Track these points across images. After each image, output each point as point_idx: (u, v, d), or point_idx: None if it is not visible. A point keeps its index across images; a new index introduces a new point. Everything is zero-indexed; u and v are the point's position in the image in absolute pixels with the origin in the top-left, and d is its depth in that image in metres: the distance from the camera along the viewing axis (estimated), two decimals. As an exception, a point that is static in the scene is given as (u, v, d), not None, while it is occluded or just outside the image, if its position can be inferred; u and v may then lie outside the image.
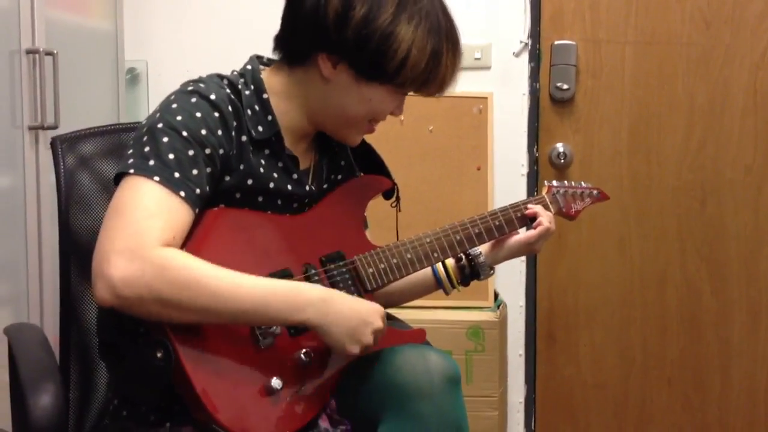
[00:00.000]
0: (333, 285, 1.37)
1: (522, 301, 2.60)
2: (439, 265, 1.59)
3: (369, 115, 1.40)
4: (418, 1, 1.34)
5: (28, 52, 1.93)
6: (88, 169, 1.53)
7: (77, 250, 1.50)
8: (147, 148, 1.25)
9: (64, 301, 1.50)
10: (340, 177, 1.52)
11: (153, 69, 2.60)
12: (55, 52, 1.98)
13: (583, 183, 1.73)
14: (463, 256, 1.59)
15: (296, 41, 1.38)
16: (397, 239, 1.49)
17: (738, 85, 2.51)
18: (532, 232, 1.57)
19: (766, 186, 2.53)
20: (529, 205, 1.59)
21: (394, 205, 1.56)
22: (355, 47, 1.32)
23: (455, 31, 1.40)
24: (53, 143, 1.50)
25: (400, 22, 1.31)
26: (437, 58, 1.35)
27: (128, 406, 1.35)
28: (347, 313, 1.27)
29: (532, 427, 2.66)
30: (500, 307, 2.40)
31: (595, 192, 1.74)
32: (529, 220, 1.58)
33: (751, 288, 2.56)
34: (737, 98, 2.51)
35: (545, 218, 1.58)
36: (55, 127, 1.95)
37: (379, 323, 1.30)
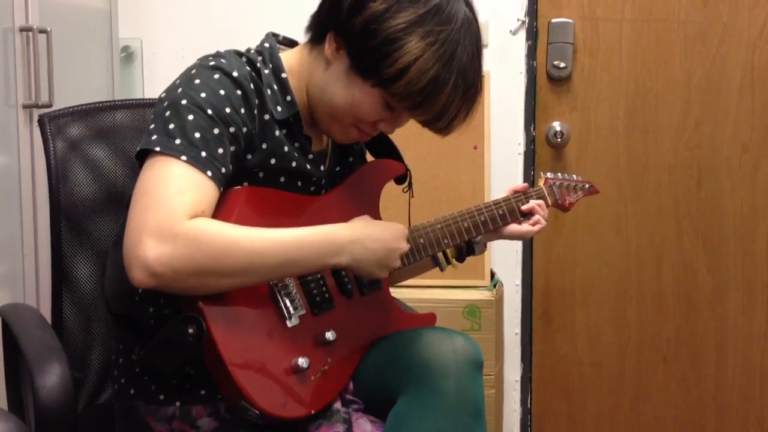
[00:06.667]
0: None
1: (518, 280, 2.61)
2: None
3: (351, 114, 1.34)
4: (444, 24, 1.28)
5: (22, 30, 1.92)
6: (78, 147, 1.52)
7: (69, 228, 1.50)
8: (171, 125, 1.23)
9: (56, 281, 1.50)
10: (351, 159, 1.53)
11: (147, 47, 2.58)
12: (49, 29, 1.96)
13: (575, 176, 1.80)
14: None
15: (318, 15, 1.37)
16: (409, 225, 1.51)
17: (735, 62, 2.50)
18: (530, 229, 1.64)
19: (762, 164, 2.53)
20: (531, 200, 1.64)
21: (406, 190, 1.56)
22: (358, 38, 1.29)
23: (473, 74, 1.32)
24: (41, 121, 1.49)
25: (411, 34, 1.26)
26: (437, 87, 1.28)
27: (136, 385, 1.36)
28: (375, 246, 1.32)
29: (529, 405, 2.67)
30: (496, 286, 2.41)
31: (587, 186, 1.81)
32: (528, 214, 1.65)
33: (747, 266, 2.57)
34: (734, 76, 2.51)
35: (542, 215, 1.64)
36: (49, 106, 1.94)
37: (404, 246, 1.38)
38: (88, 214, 1.53)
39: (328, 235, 1.28)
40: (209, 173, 1.22)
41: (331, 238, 1.28)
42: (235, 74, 1.29)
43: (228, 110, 1.26)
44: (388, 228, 1.36)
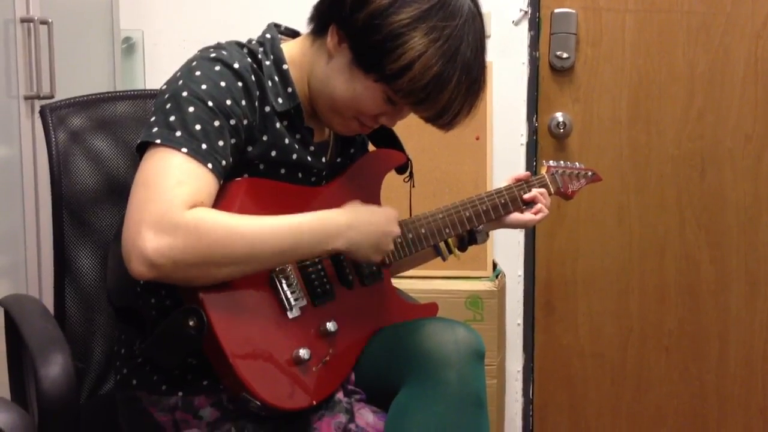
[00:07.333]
0: None
1: (520, 271, 2.61)
2: None
3: (353, 107, 1.34)
4: (448, 19, 1.27)
5: (23, 20, 1.91)
6: (79, 138, 1.52)
7: (71, 219, 1.50)
8: (172, 118, 1.23)
9: (59, 272, 1.50)
10: (353, 150, 1.52)
11: (149, 38, 2.58)
12: (50, 20, 1.96)
13: (577, 164, 1.80)
14: None
15: (320, 6, 1.36)
16: (410, 215, 1.51)
17: (738, 53, 2.49)
18: (533, 218, 1.63)
19: (765, 155, 2.53)
20: (533, 189, 1.64)
21: (407, 180, 1.56)
22: (361, 33, 1.28)
23: (477, 70, 1.32)
24: (42, 112, 1.49)
25: (415, 30, 1.25)
26: (441, 84, 1.28)
27: (138, 375, 1.36)
28: (370, 230, 1.33)
29: (531, 396, 2.67)
30: (499, 276, 2.41)
31: (589, 173, 1.80)
32: (530, 202, 1.64)
33: (750, 257, 2.57)
34: (737, 67, 2.50)
35: (544, 204, 1.64)
36: (50, 97, 1.94)
37: (396, 230, 1.39)
38: (90, 205, 1.53)
39: (324, 219, 1.29)
40: (210, 165, 1.22)
41: (328, 222, 1.29)
42: (236, 66, 1.29)
43: (229, 102, 1.26)
44: (380, 212, 1.37)
